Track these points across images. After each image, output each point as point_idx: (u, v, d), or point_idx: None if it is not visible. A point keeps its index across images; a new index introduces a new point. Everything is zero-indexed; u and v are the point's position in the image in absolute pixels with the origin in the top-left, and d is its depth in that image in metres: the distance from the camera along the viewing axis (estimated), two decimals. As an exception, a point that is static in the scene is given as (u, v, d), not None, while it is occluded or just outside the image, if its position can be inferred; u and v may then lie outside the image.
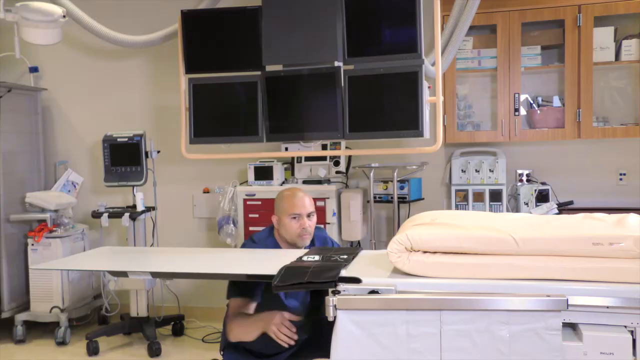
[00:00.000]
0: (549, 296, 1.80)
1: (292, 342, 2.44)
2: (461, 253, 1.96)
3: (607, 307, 1.84)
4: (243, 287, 2.68)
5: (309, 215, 2.85)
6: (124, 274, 2.20)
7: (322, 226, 3.21)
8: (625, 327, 1.84)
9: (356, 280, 1.97)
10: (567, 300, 1.79)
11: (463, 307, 1.84)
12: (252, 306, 2.68)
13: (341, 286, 1.97)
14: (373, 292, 1.94)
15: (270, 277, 2.07)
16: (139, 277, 2.12)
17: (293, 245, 2.87)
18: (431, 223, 2.11)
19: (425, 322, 1.86)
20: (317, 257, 2.26)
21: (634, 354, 1.82)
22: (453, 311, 1.85)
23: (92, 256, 2.87)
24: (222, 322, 4.50)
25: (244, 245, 3.00)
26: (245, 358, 2.72)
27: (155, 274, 2.22)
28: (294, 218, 2.83)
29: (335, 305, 1.90)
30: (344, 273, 2.05)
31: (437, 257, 1.97)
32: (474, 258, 1.95)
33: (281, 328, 2.43)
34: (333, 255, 2.30)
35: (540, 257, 1.90)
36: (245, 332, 2.57)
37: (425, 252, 1.99)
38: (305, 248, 2.84)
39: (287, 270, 2.10)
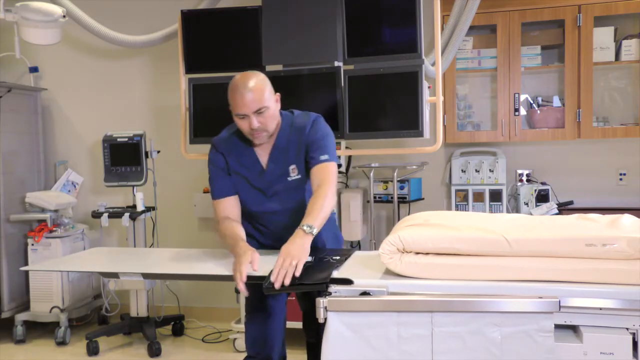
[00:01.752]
0: (541, 298, 1.79)
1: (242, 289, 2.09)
2: (453, 254, 1.95)
3: (600, 309, 1.83)
4: (221, 184, 2.63)
5: (259, 111, 2.31)
6: (115, 275, 2.19)
7: (313, 114, 2.59)
8: (627, 329, 1.83)
9: (348, 282, 1.96)
10: (560, 302, 1.78)
11: (455, 309, 1.83)
12: (237, 199, 2.60)
13: (333, 287, 1.96)
14: (365, 293, 1.93)
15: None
16: (130, 278, 2.11)
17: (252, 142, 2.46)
18: (424, 224, 2.10)
19: (417, 324, 1.85)
20: (309, 258, 2.25)
21: (635, 355, 1.81)
22: (445, 313, 1.83)
23: (85, 257, 2.86)
24: (222, 322, 4.57)
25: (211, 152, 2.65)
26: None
27: (146, 275, 2.21)
28: (241, 118, 2.35)
29: (326, 307, 1.88)
30: (335, 274, 2.04)
31: (429, 258, 1.96)
32: (467, 259, 1.93)
33: (236, 271, 2.12)
34: (325, 256, 2.29)
35: (533, 258, 1.88)
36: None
37: (417, 253, 1.98)
38: (277, 145, 2.47)
39: (279, 272, 2.08)
